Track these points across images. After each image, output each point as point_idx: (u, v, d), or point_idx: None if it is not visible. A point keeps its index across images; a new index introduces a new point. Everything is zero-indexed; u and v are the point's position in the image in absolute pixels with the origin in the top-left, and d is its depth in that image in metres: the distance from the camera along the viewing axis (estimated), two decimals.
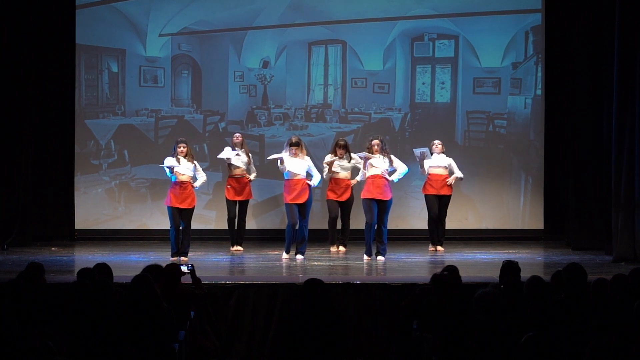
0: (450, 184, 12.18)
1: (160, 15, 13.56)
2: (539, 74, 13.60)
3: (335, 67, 13.73)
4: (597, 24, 11.96)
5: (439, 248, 12.17)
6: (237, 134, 12.34)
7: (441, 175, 12.17)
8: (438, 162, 12.20)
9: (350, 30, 13.67)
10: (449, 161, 12.27)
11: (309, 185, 11.35)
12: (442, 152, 12.27)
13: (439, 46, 13.72)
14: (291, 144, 11.45)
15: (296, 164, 11.36)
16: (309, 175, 11.45)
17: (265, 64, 13.66)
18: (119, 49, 13.57)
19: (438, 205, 12.17)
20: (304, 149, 11.56)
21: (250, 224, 13.33)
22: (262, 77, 13.66)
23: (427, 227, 12.36)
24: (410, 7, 13.66)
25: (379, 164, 11.27)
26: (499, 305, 6.28)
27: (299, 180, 11.31)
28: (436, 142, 12.29)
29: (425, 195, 12.27)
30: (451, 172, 12.24)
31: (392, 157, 11.49)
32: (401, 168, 11.44)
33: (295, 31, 13.67)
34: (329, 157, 11.98)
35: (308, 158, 11.64)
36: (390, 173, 11.36)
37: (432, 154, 12.26)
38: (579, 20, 12.34)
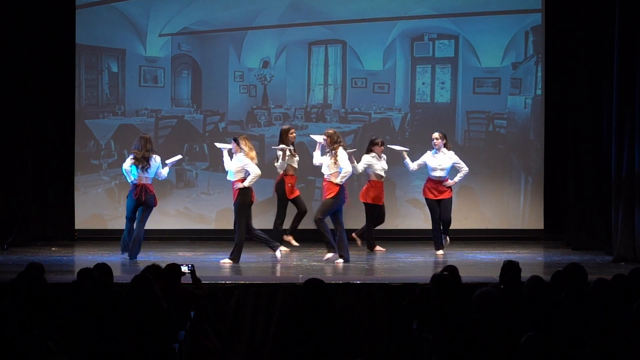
0: (449, 187, 11.91)
1: (160, 15, 13.56)
2: (539, 74, 13.60)
3: (335, 67, 13.73)
4: (597, 24, 11.97)
5: (438, 253, 11.96)
6: (293, 131, 12.23)
7: (440, 179, 11.88)
8: (436, 164, 11.92)
9: (350, 30, 13.67)
10: (450, 161, 11.94)
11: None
12: (444, 147, 11.87)
13: (439, 46, 13.72)
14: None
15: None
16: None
17: (265, 64, 13.66)
18: (119, 49, 13.57)
19: (440, 208, 11.98)
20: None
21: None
22: (262, 77, 13.66)
23: (426, 227, 12.33)
24: (410, 7, 13.66)
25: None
26: (499, 304, 6.29)
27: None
28: (434, 135, 11.95)
29: (425, 199, 12.09)
30: (457, 171, 11.98)
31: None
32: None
33: (295, 31, 13.68)
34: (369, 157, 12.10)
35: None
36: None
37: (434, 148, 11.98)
38: (579, 20, 12.34)
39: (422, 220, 13.01)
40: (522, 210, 13.73)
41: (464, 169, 11.96)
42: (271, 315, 9.03)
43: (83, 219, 13.48)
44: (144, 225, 11.28)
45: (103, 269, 7.40)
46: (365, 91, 13.72)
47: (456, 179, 11.95)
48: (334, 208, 10.92)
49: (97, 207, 13.52)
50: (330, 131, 11.13)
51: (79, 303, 6.44)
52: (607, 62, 11.51)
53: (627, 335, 5.19)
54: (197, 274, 8.33)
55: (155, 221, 13.00)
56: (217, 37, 13.66)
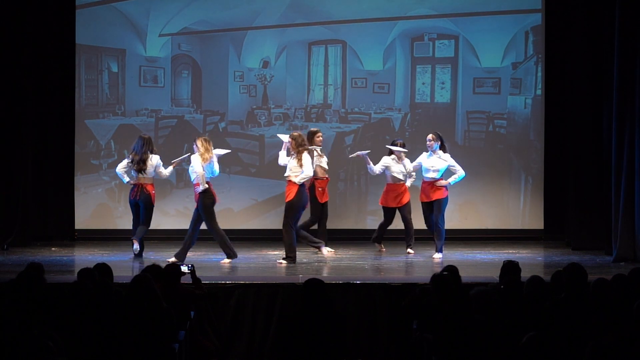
0: (444, 187, 11.57)
1: (160, 15, 13.56)
2: (539, 74, 13.60)
3: (335, 67, 13.73)
4: (597, 24, 11.96)
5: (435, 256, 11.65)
6: (320, 134, 12.10)
7: (433, 181, 11.60)
8: (429, 165, 11.63)
9: (350, 30, 13.67)
10: (444, 163, 11.61)
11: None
12: (440, 150, 11.60)
13: (439, 46, 13.72)
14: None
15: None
16: None
17: (265, 64, 13.66)
18: (119, 49, 13.57)
19: (431, 209, 11.65)
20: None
21: (250, 224, 13.35)
22: (262, 77, 13.66)
23: (426, 228, 12.31)
24: (410, 7, 13.66)
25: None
26: (493, 303, 6.29)
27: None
28: (428, 136, 11.67)
29: (421, 203, 11.83)
30: (451, 173, 11.71)
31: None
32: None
33: (295, 31, 13.68)
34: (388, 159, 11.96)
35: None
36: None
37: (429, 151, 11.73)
38: (579, 20, 12.34)
39: (422, 220, 12.98)
40: (522, 210, 13.73)
41: (459, 171, 11.66)
42: (271, 315, 9.03)
43: (83, 219, 13.49)
44: (148, 225, 11.34)
45: (103, 269, 7.41)
46: (365, 91, 13.72)
47: (450, 179, 11.65)
48: (299, 209, 10.97)
49: (97, 207, 13.52)
50: (296, 134, 11.15)
51: (79, 303, 6.44)
52: (607, 61, 11.51)
53: (627, 335, 5.19)
54: (197, 274, 8.33)
55: (156, 221, 12.99)
56: (217, 37, 13.66)
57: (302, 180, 10.89)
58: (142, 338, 6.36)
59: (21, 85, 12.58)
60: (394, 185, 11.95)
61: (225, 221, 12.56)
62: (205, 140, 11.06)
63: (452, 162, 11.67)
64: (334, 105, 13.76)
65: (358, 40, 13.68)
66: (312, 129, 12.34)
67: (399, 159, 11.94)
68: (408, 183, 12.03)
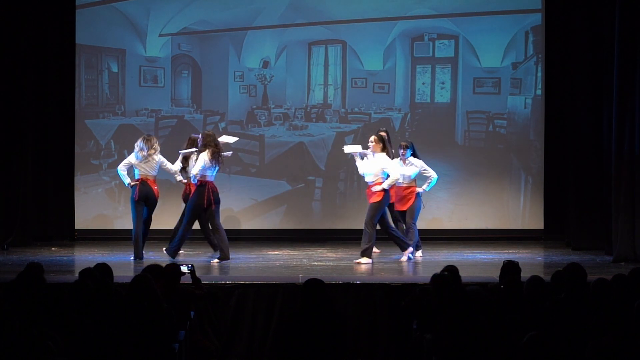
0: (378, 191, 10.79)
1: (160, 15, 13.57)
2: (539, 74, 13.60)
3: (335, 67, 13.74)
4: (597, 24, 11.97)
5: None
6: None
7: (370, 184, 10.92)
8: (365, 168, 11.00)
9: (350, 30, 13.67)
10: (378, 165, 10.85)
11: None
12: (382, 152, 10.91)
13: (439, 46, 13.72)
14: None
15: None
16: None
17: (265, 64, 13.66)
18: (119, 49, 13.57)
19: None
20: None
21: (251, 224, 13.34)
22: (262, 77, 13.66)
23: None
24: (410, 7, 13.66)
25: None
26: (494, 302, 6.29)
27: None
28: (370, 139, 11.02)
29: None
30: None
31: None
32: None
33: (295, 31, 13.68)
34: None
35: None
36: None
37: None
38: (579, 20, 12.35)
39: (419, 220, 12.98)
40: (522, 210, 13.72)
41: (393, 174, 10.80)
42: (271, 315, 9.03)
43: (83, 219, 13.49)
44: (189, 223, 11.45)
45: (103, 269, 7.41)
46: (365, 91, 13.72)
47: (384, 184, 10.78)
48: (197, 211, 10.94)
49: (97, 207, 13.52)
50: (205, 133, 11.14)
51: (79, 303, 6.45)
52: (607, 61, 11.52)
53: (627, 335, 5.19)
54: (197, 274, 8.33)
55: (155, 221, 13.00)
56: (217, 37, 13.66)
57: (195, 180, 10.90)
58: (142, 338, 6.36)
59: (21, 85, 12.58)
60: (394, 187, 11.16)
61: (225, 221, 12.55)
62: (142, 138, 11.23)
63: (386, 164, 10.88)
64: (334, 105, 13.76)
65: (358, 40, 13.68)
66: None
67: (404, 161, 11.32)
68: (420, 190, 11.45)
